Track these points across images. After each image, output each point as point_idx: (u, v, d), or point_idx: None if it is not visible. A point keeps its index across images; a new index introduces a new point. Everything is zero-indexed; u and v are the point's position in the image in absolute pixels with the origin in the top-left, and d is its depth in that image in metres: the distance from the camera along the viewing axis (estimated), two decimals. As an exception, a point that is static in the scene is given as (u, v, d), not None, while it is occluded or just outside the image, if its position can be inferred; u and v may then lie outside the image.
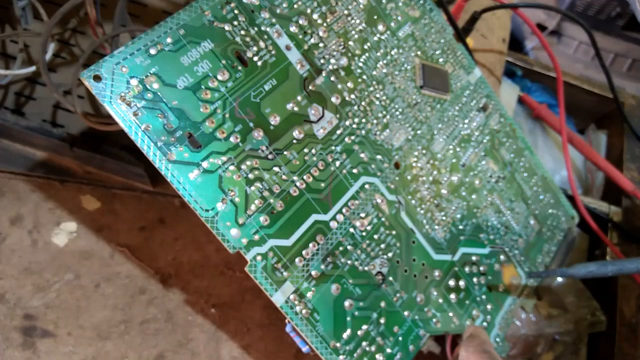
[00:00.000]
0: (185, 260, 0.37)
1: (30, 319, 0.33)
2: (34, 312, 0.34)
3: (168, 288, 0.36)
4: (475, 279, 0.34)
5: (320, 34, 0.29)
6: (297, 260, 0.26)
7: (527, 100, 0.52)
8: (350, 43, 0.30)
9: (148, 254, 0.37)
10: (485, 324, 0.33)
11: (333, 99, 0.29)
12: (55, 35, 0.39)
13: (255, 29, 0.26)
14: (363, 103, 0.30)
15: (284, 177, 0.26)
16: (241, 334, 0.36)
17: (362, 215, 0.29)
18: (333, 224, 0.28)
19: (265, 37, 0.27)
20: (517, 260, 0.36)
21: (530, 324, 0.41)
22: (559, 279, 0.44)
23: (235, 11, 0.26)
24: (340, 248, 0.28)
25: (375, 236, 0.29)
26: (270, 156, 0.26)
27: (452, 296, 0.32)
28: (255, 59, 0.26)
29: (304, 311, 0.26)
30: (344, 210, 0.28)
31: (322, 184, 0.28)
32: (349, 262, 0.28)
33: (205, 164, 0.24)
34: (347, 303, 0.27)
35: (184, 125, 0.24)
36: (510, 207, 0.37)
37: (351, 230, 0.28)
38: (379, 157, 0.30)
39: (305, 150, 0.27)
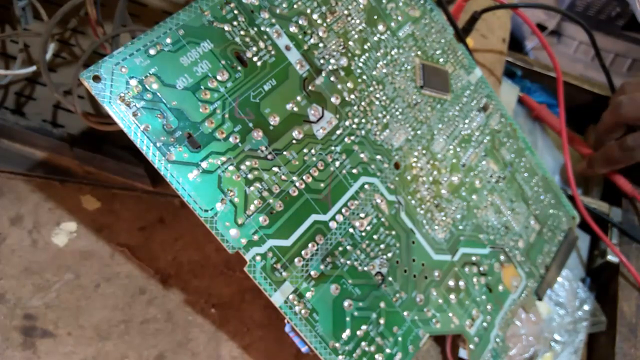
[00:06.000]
0: (185, 260, 0.37)
1: (30, 319, 0.33)
2: (34, 312, 0.34)
3: (168, 288, 0.36)
4: (475, 279, 0.33)
5: (320, 34, 0.29)
6: (296, 260, 0.26)
7: (526, 100, 0.52)
8: (350, 43, 0.30)
9: (148, 254, 0.37)
10: (485, 324, 0.33)
11: (333, 99, 0.29)
12: (56, 35, 0.39)
13: (255, 29, 0.26)
14: (363, 103, 0.30)
15: (283, 177, 0.26)
16: (241, 334, 0.36)
17: (362, 215, 0.29)
18: (332, 224, 0.28)
19: (265, 37, 0.27)
20: (517, 261, 0.36)
21: (530, 324, 0.41)
22: (559, 279, 0.44)
23: (235, 11, 0.26)
24: (340, 248, 0.28)
25: (375, 236, 0.29)
26: (269, 156, 0.26)
27: (452, 296, 0.32)
28: (255, 59, 0.26)
29: (303, 311, 0.26)
30: (343, 210, 0.28)
31: (322, 184, 0.28)
32: (348, 262, 0.28)
33: (204, 164, 0.24)
34: (346, 303, 0.27)
35: (183, 125, 0.24)
36: (510, 208, 0.37)
37: (351, 230, 0.28)
38: (378, 157, 0.30)
39: (305, 150, 0.27)
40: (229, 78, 0.25)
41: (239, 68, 0.26)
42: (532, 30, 0.43)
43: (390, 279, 0.29)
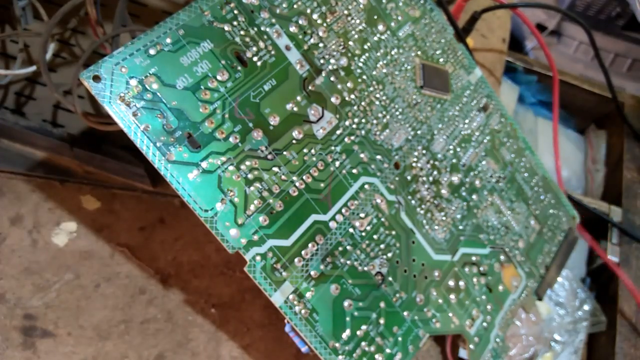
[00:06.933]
0: (185, 260, 0.37)
1: (30, 319, 0.33)
2: (34, 312, 0.34)
3: (168, 288, 0.36)
4: (475, 279, 0.33)
5: (320, 34, 0.29)
6: (296, 260, 0.26)
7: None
8: (350, 43, 0.30)
9: (148, 254, 0.37)
10: (485, 324, 0.33)
11: (333, 99, 0.29)
12: (56, 35, 0.39)
13: (255, 29, 0.26)
14: (363, 103, 0.30)
15: (283, 177, 0.26)
16: (241, 334, 0.36)
17: (362, 215, 0.29)
18: (332, 224, 0.28)
19: (265, 37, 0.27)
20: (517, 261, 0.36)
21: (530, 324, 0.41)
22: (559, 279, 0.44)
23: (235, 11, 0.26)
24: (340, 248, 0.28)
25: (375, 236, 0.29)
26: (269, 156, 0.26)
27: (452, 296, 0.32)
28: (255, 59, 0.26)
29: (303, 311, 0.26)
30: (343, 210, 0.28)
31: (322, 184, 0.28)
32: (348, 262, 0.28)
33: (204, 164, 0.24)
34: (346, 303, 0.27)
35: (183, 125, 0.24)
36: (510, 208, 0.37)
37: (350, 230, 0.28)
38: (378, 157, 0.30)
39: (305, 150, 0.27)
40: (229, 78, 0.25)
41: (239, 68, 0.26)
42: (531, 30, 0.43)
43: (390, 279, 0.29)
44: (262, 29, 0.27)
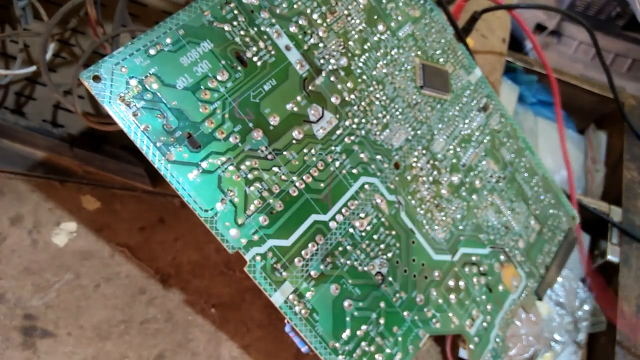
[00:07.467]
0: (185, 260, 0.37)
1: (30, 319, 0.33)
2: (34, 312, 0.34)
3: (168, 288, 0.36)
4: (475, 279, 0.33)
5: (320, 34, 0.29)
6: (296, 260, 0.26)
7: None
8: (350, 43, 0.30)
9: (148, 254, 0.37)
10: (485, 324, 0.33)
11: (333, 99, 0.29)
12: (56, 35, 0.39)
13: (255, 29, 0.26)
14: (363, 103, 0.30)
15: (283, 177, 0.26)
16: (241, 334, 0.36)
17: (362, 215, 0.29)
18: (332, 224, 0.28)
19: (265, 37, 0.27)
20: (517, 261, 0.36)
21: (530, 324, 0.41)
22: (559, 279, 0.44)
23: (235, 11, 0.26)
24: (340, 248, 0.28)
25: (375, 236, 0.29)
26: (269, 156, 0.26)
27: (452, 296, 0.32)
28: (255, 59, 0.26)
29: (303, 311, 0.26)
30: (343, 210, 0.28)
31: (322, 184, 0.27)
32: (348, 262, 0.28)
33: (204, 164, 0.24)
34: (346, 303, 0.27)
35: (183, 125, 0.24)
36: (510, 208, 0.37)
37: (350, 230, 0.28)
38: (378, 157, 0.30)
39: (305, 150, 0.27)
40: (229, 78, 0.25)
41: (239, 68, 0.26)
42: (526, 33, 0.43)
43: (390, 279, 0.29)
44: (262, 29, 0.27)
